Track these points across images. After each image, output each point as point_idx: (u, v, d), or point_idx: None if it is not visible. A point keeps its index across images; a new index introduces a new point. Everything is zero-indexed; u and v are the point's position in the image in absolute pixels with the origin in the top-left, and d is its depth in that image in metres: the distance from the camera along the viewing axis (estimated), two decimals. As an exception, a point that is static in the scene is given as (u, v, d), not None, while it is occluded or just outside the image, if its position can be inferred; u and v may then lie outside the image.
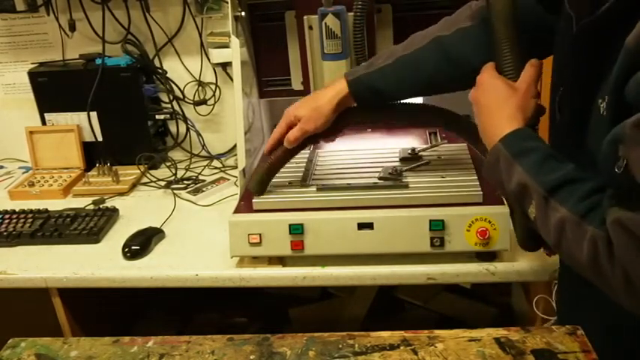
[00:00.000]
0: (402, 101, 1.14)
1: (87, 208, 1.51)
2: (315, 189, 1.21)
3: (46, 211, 1.47)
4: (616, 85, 0.66)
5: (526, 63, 0.91)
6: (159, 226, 1.38)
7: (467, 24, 1.05)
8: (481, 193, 1.13)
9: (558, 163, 0.79)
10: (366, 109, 1.15)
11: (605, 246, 0.68)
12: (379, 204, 1.15)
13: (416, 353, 0.86)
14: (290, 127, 1.14)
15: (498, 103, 0.90)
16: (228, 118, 1.80)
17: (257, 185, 1.19)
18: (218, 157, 1.80)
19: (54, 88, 1.71)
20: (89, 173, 1.70)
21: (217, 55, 1.71)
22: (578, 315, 0.92)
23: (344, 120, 1.15)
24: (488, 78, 0.93)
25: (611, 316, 0.82)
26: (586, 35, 0.75)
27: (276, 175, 1.30)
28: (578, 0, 0.78)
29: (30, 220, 1.43)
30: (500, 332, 0.89)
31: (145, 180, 1.67)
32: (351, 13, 1.19)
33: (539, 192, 0.77)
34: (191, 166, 1.74)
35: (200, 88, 1.79)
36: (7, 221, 1.44)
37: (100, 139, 1.74)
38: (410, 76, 1.08)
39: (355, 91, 1.10)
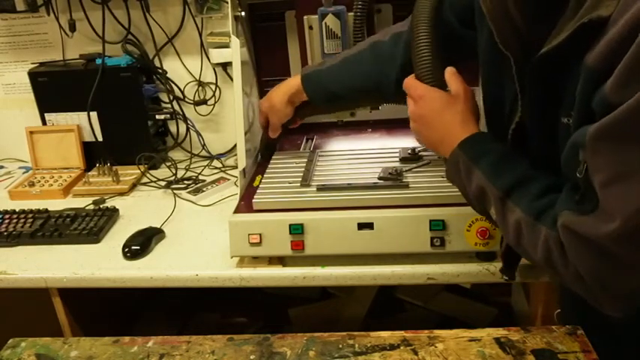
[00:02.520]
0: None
1: (87, 208, 1.51)
2: (315, 189, 1.21)
3: (46, 211, 1.47)
4: (581, 103, 0.69)
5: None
6: (159, 226, 1.38)
7: (401, 29, 1.11)
8: (481, 193, 1.13)
9: (513, 163, 0.82)
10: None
11: (558, 247, 0.71)
12: (379, 204, 1.15)
13: (416, 353, 0.86)
14: (262, 115, 1.31)
15: (445, 111, 0.91)
16: (228, 118, 1.80)
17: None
18: (218, 157, 1.81)
19: (54, 88, 1.71)
20: (89, 173, 1.70)
21: (217, 55, 1.71)
22: (579, 314, 0.92)
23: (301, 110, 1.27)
24: (424, 91, 0.94)
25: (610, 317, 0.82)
26: (535, 68, 0.76)
27: (277, 175, 1.30)
28: (509, 40, 0.80)
29: (30, 220, 1.43)
30: (500, 332, 0.89)
31: (145, 180, 1.67)
32: (351, 13, 1.19)
33: (496, 194, 0.80)
34: (191, 166, 1.74)
35: (200, 88, 1.79)
36: (7, 221, 1.44)
37: (100, 139, 1.74)
38: (348, 75, 1.16)
39: (306, 87, 1.20)
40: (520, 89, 0.80)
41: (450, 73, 0.94)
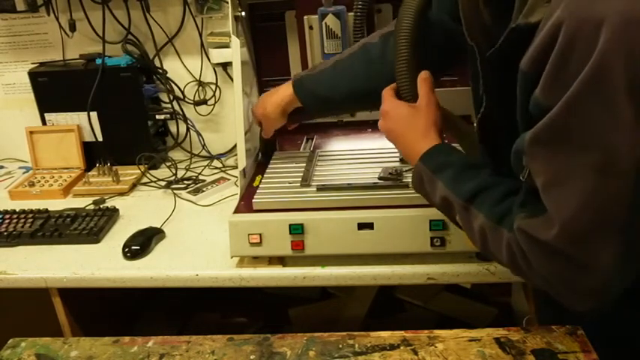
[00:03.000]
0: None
1: (87, 208, 1.51)
2: (315, 189, 1.21)
3: (46, 211, 1.47)
4: (521, 106, 0.71)
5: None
6: (159, 226, 1.38)
7: (390, 29, 1.10)
8: (481, 193, 1.13)
9: (473, 171, 0.84)
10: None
11: (520, 250, 0.73)
12: (379, 204, 1.15)
13: (416, 353, 0.86)
14: (256, 119, 1.30)
15: (408, 125, 0.95)
16: (228, 118, 1.80)
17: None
18: (218, 157, 1.80)
19: (54, 88, 1.71)
20: (89, 173, 1.70)
21: (217, 55, 1.71)
22: (578, 314, 0.92)
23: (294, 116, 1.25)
24: (389, 106, 0.98)
25: (610, 316, 0.82)
26: (490, 64, 0.79)
27: (277, 175, 1.30)
28: (475, 33, 0.83)
29: (30, 220, 1.43)
30: (500, 332, 0.89)
31: (145, 180, 1.67)
32: (351, 13, 1.19)
33: (459, 203, 0.82)
34: (191, 166, 1.74)
35: (200, 88, 1.79)
36: (7, 221, 1.44)
37: (100, 139, 1.74)
38: (340, 79, 1.14)
39: (298, 93, 1.18)
40: (483, 81, 0.82)
41: (420, 80, 0.96)
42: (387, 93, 0.99)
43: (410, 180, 1.19)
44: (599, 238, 0.65)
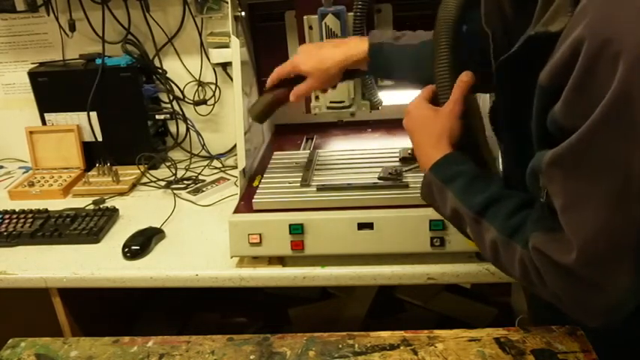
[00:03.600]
0: None
1: (87, 208, 1.51)
2: (315, 189, 1.21)
3: (46, 211, 1.47)
4: (537, 119, 0.69)
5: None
6: (159, 226, 1.38)
7: None
8: (481, 193, 1.12)
9: (484, 183, 0.82)
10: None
11: (534, 267, 0.72)
12: (379, 204, 1.15)
13: (416, 353, 0.86)
14: (292, 72, 1.12)
15: (424, 129, 0.92)
16: (228, 118, 1.80)
17: (259, 115, 1.19)
18: (218, 157, 1.80)
19: (54, 88, 1.71)
20: (89, 173, 1.70)
21: (217, 55, 1.71)
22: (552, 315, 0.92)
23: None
24: (413, 105, 0.95)
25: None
26: (504, 70, 0.77)
27: (277, 175, 1.29)
28: (495, 21, 0.80)
29: (30, 220, 1.43)
30: (500, 332, 0.89)
31: (145, 180, 1.67)
32: (351, 13, 1.19)
33: (470, 215, 0.81)
34: (191, 166, 1.74)
35: (200, 88, 1.79)
36: (7, 221, 1.44)
37: (100, 139, 1.74)
38: (423, 63, 1.03)
39: (373, 60, 1.06)
40: (496, 70, 0.79)
41: (457, 82, 0.91)
42: (424, 91, 0.96)
43: (409, 180, 1.20)
44: (615, 260, 0.65)
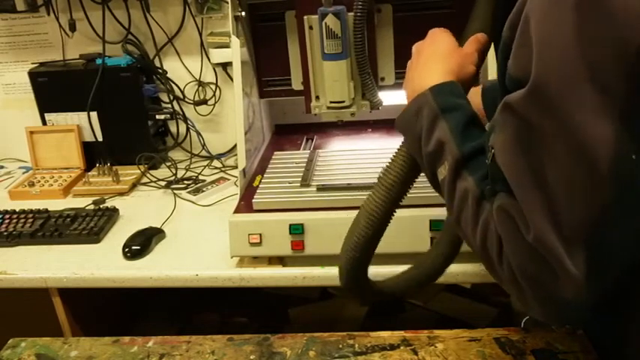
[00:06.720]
0: None
1: (87, 208, 1.51)
2: (315, 189, 1.21)
3: (46, 211, 1.47)
4: (501, 78, 0.67)
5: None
6: (159, 226, 1.38)
7: None
8: (481, 193, 1.12)
9: (479, 130, 0.75)
10: None
11: (496, 235, 0.66)
12: (379, 204, 1.15)
13: (416, 353, 0.87)
14: None
15: (441, 55, 0.85)
16: (228, 118, 1.80)
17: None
18: (218, 157, 1.80)
19: (54, 88, 1.71)
20: (89, 173, 1.70)
21: (217, 55, 1.71)
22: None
23: None
24: (439, 32, 0.89)
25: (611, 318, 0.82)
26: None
27: (277, 175, 1.30)
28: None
29: (30, 220, 1.43)
30: (500, 332, 0.89)
31: (145, 180, 1.67)
32: (351, 13, 1.18)
33: (455, 155, 0.73)
34: (191, 166, 1.74)
35: (200, 88, 1.79)
36: (7, 221, 1.44)
37: (100, 139, 1.74)
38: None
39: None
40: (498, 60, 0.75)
41: (474, 36, 0.87)
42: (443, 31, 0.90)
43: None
44: (574, 241, 0.58)
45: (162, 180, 1.65)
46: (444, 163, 0.74)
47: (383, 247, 1.14)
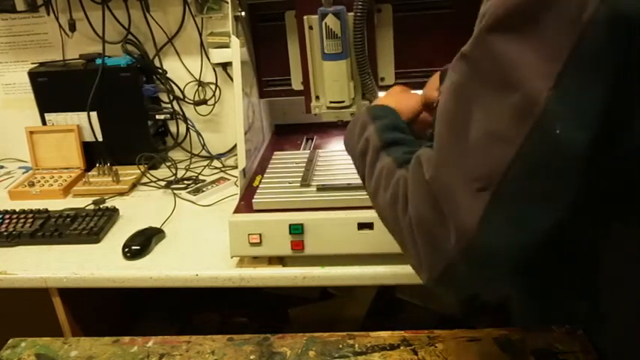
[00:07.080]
0: None
1: (87, 208, 1.51)
2: (315, 189, 1.21)
3: (46, 211, 1.47)
4: None
5: None
6: (159, 226, 1.38)
7: None
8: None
9: (405, 133, 0.85)
10: None
11: (404, 188, 0.69)
12: (379, 204, 1.15)
13: (416, 353, 0.86)
14: None
15: (400, 95, 1.02)
16: (228, 118, 1.80)
17: None
18: (218, 157, 1.80)
19: (54, 88, 1.71)
20: (89, 173, 1.70)
21: (217, 55, 1.71)
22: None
23: None
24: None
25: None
26: None
27: (277, 175, 1.30)
28: None
29: (30, 220, 1.43)
30: (500, 332, 0.89)
31: (145, 180, 1.67)
32: (351, 13, 1.19)
33: (376, 145, 0.81)
34: (191, 166, 1.74)
35: (200, 88, 1.79)
36: (7, 221, 1.44)
37: (100, 139, 1.74)
38: None
39: None
40: None
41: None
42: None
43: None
44: (468, 191, 0.59)
45: (162, 180, 1.65)
46: (369, 154, 0.82)
47: (383, 247, 1.14)
